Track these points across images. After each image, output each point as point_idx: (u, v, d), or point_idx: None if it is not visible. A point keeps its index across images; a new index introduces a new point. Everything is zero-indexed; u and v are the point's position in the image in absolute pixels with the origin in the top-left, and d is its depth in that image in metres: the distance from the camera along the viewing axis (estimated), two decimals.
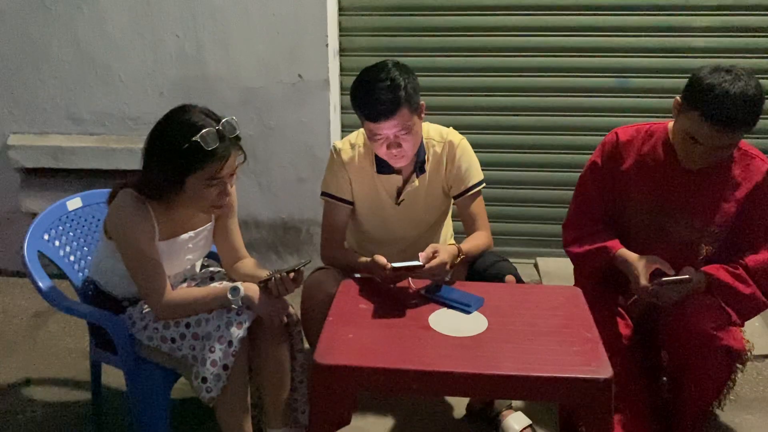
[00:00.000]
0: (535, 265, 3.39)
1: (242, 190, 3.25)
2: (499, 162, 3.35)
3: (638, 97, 3.23)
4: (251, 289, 1.90)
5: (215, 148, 1.77)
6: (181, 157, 1.77)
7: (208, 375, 1.85)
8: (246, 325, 1.88)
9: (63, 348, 2.80)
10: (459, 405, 2.39)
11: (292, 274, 1.90)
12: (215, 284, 2.04)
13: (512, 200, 3.41)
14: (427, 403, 2.42)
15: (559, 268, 3.25)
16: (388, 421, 2.34)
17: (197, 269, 2.18)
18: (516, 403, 2.28)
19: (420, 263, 1.92)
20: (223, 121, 1.81)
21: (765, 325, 2.90)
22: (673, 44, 3.14)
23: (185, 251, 2.02)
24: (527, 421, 2.21)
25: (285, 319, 1.98)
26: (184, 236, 2.00)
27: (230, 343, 1.85)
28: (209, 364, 1.85)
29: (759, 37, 3.10)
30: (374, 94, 1.97)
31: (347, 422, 2.00)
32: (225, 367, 1.85)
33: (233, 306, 1.88)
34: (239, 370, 1.90)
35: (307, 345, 2.14)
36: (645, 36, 3.15)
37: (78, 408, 2.41)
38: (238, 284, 1.90)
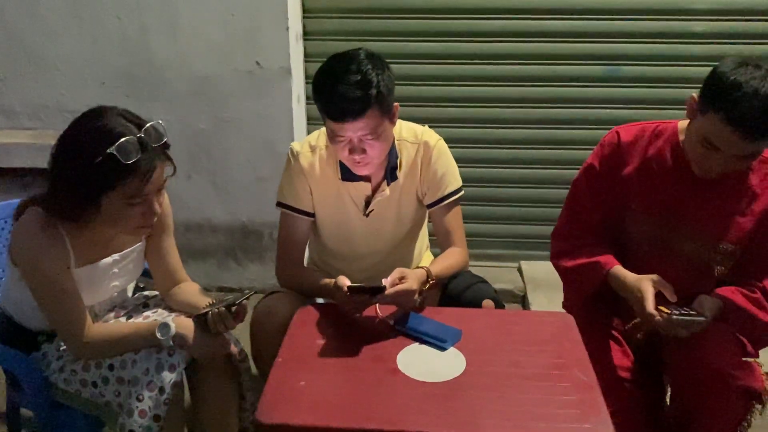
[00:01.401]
0: (519, 270, 3.14)
1: (196, 191, 3.02)
2: (479, 158, 3.13)
3: (630, 86, 3.00)
4: (184, 327, 1.61)
5: (136, 161, 1.46)
6: (94, 171, 1.46)
7: (135, 428, 1.57)
8: (180, 368, 1.60)
9: None
10: None
11: (233, 308, 1.60)
12: (147, 314, 1.75)
13: (494, 199, 3.20)
14: None
15: (546, 274, 2.99)
16: None
17: (129, 293, 1.88)
18: None
19: (383, 285, 1.64)
20: (147, 126, 1.50)
21: None
22: (669, 28, 2.91)
23: (109, 278, 1.72)
24: None
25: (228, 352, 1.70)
26: (107, 260, 1.69)
27: (161, 389, 1.58)
28: (137, 415, 1.57)
29: (761, 20, 2.86)
30: (341, 89, 1.66)
31: None
32: (156, 418, 1.58)
33: (163, 346, 1.59)
34: (173, 421, 1.63)
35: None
36: (637, 19, 2.91)
37: None
38: (169, 320, 1.61)
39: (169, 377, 1.58)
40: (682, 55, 2.90)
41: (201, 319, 1.62)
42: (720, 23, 2.87)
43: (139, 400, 1.57)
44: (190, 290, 1.83)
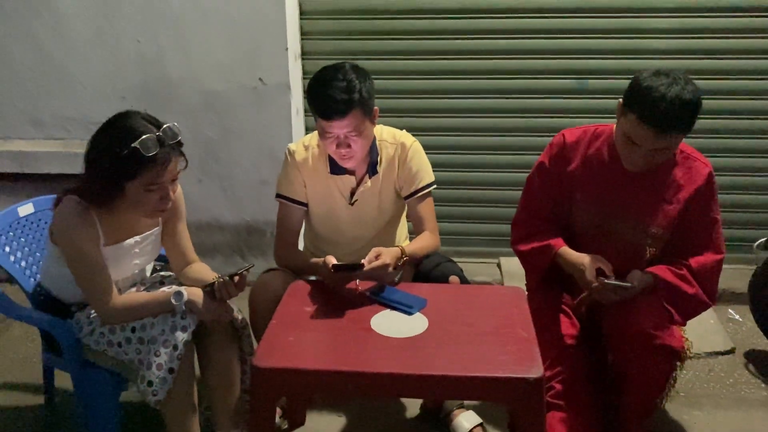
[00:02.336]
0: (498, 265, 3.42)
1: (205, 194, 3.28)
2: (460, 163, 3.37)
3: (597, 98, 3.25)
4: (195, 294, 1.92)
5: (155, 154, 1.78)
6: (121, 163, 1.78)
7: (153, 378, 1.86)
8: (190, 329, 1.90)
9: (23, 353, 2.80)
10: (413, 404, 2.41)
11: (235, 278, 1.91)
12: (163, 289, 2.05)
13: (474, 201, 3.43)
14: (381, 403, 2.44)
15: (521, 268, 3.25)
16: (341, 421, 2.36)
17: (147, 273, 2.19)
18: (468, 402, 2.31)
19: (361, 263, 1.95)
20: (164, 127, 1.82)
21: (718, 322, 2.94)
22: (632, 46, 3.18)
23: (132, 256, 2.04)
24: (477, 420, 2.23)
25: (231, 318, 2.00)
26: (130, 241, 2.01)
27: (175, 347, 1.87)
28: (155, 368, 1.86)
29: (715, 38, 3.14)
30: (329, 93, 1.99)
31: (301, 423, 2.03)
32: (171, 371, 1.87)
33: (177, 311, 1.90)
34: (185, 373, 1.92)
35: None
36: (604, 38, 3.18)
37: (32, 412, 2.41)
38: (182, 289, 1.91)
39: (181, 336, 1.88)
40: (643, 70, 3.15)
41: (209, 288, 1.94)
42: (677, 41, 3.14)
43: (157, 356, 1.86)
44: (200, 269, 2.13)
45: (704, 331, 2.82)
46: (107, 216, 1.93)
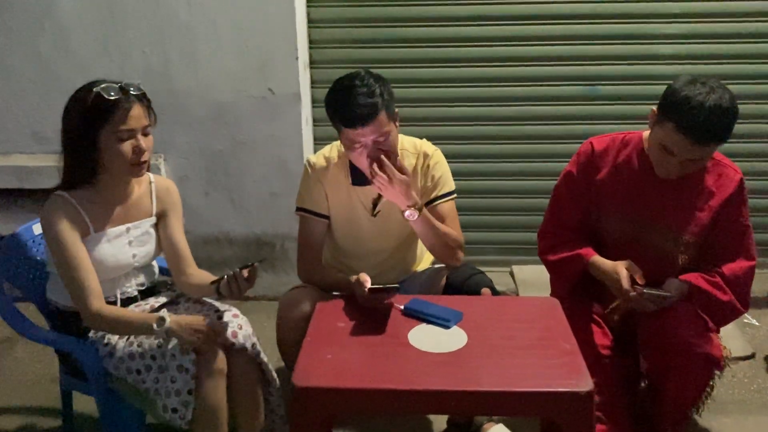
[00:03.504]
0: (511, 273, 3.40)
1: (213, 207, 3.24)
2: (472, 171, 3.35)
3: (608, 104, 3.25)
4: (177, 323, 1.85)
5: (118, 99, 1.83)
6: (88, 112, 1.84)
7: (177, 405, 1.83)
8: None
9: (31, 375, 2.72)
10: (440, 419, 2.37)
11: (245, 272, 1.86)
12: (159, 299, 2.04)
13: (487, 209, 3.42)
14: (408, 418, 2.40)
15: (535, 276, 3.25)
16: None
17: (155, 271, 2.17)
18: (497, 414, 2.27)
19: (397, 286, 1.92)
20: (127, 81, 1.89)
21: (738, 328, 2.93)
22: (642, 51, 3.18)
23: (127, 245, 2.00)
24: None
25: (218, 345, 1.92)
26: (122, 227, 1.99)
27: (186, 369, 1.84)
28: (174, 394, 1.83)
29: (724, 43, 3.15)
30: (353, 100, 1.95)
31: None
32: (189, 392, 1.84)
33: (156, 337, 1.86)
34: (206, 390, 1.86)
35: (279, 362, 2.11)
36: (613, 44, 3.18)
37: None
38: (166, 315, 1.85)
39: (188, 358, 1.83)
40: (652, 75, 3.16)
41: (216, 284, 1.90)
42: (685, 46, 3.15)
43: (173, 382, 1.83)
44: (202, 275, 2.07)
45: (723, 337, 2.80)
46: (90, 199, 1.93)
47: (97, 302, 1.88)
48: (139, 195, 2.04)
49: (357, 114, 1.95)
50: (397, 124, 2.09)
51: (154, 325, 1.83)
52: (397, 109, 2.06)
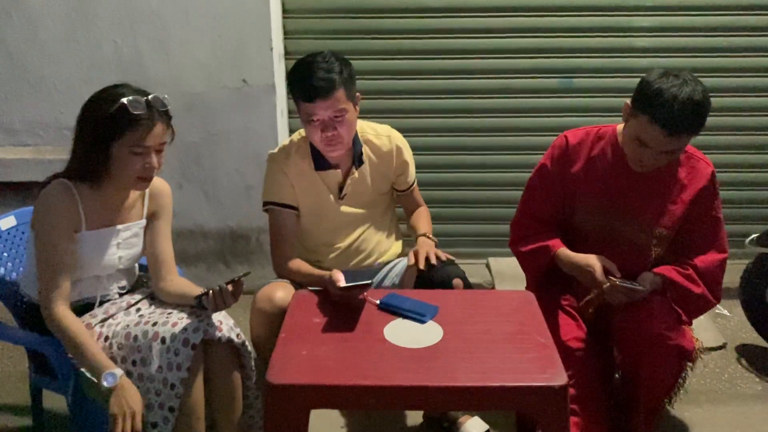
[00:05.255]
0: (487, 265, 3.40)
1: (188, 199, 3.19)
2: (448, 163, 3.35)
3: (583, 96, 3.26)
4: (122, 387, 1.74)
5: (141, 114, 1.76)
6: (108, 120, 1.77)
7: (158, 419, 1.81)
8: (185, 366, 1.82)
9: (0, 372, 2.66)
10: (415, 413, 2.36)
11: (230, 286, 1.83)
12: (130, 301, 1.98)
13: (462, 201, 3.42)
14: (383, 412, 2.39)
15: (510, 268, 3.24)
16: (342, 430, 2.30)
17: (136, 272, 2.12)
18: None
19: (369, 282, 1.92)
20: (154, 94, 1.82)
21: (710, 319, 2.98)
22: (616, 44, 3.19)
23: (114, 246, 1.96)
24: (484, 426, 2.21)
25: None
26: (113, 228, 1.94)
27: (173, 386, 1.81)
28: (157, 408, 1.81)
29: (698, 36, 3.17)
30: (312, 74, 2.00)
31: None
32: (171, 409, 1.81)
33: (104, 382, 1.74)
34: (188, 406, 1.85)
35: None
36: (588, 36, 3.19)
37: None
38: (117, 372, 1.75)
39: (177, 375, 1.80)
40: (626, 68, 3.17)
41: (198, 300, 1.86)
42: (660, 39, 3.17)
43: (158, 395, 1.80)
44: (183, 284, 2.01)
45: (695, 328, 2.84)
46: (91, 196, 1.87)
47: (63, 307, 1.82)
48: (134, 197, 1.98)
49: (315, 87, 1.99)
50: (357, 108, 2.12)
51: (102, 380, 1.73)
52: (358, 94, 2.10)
